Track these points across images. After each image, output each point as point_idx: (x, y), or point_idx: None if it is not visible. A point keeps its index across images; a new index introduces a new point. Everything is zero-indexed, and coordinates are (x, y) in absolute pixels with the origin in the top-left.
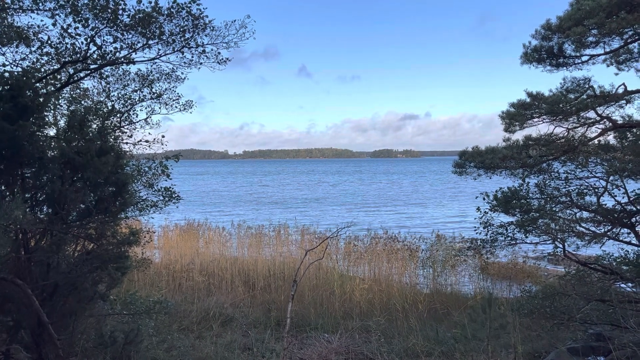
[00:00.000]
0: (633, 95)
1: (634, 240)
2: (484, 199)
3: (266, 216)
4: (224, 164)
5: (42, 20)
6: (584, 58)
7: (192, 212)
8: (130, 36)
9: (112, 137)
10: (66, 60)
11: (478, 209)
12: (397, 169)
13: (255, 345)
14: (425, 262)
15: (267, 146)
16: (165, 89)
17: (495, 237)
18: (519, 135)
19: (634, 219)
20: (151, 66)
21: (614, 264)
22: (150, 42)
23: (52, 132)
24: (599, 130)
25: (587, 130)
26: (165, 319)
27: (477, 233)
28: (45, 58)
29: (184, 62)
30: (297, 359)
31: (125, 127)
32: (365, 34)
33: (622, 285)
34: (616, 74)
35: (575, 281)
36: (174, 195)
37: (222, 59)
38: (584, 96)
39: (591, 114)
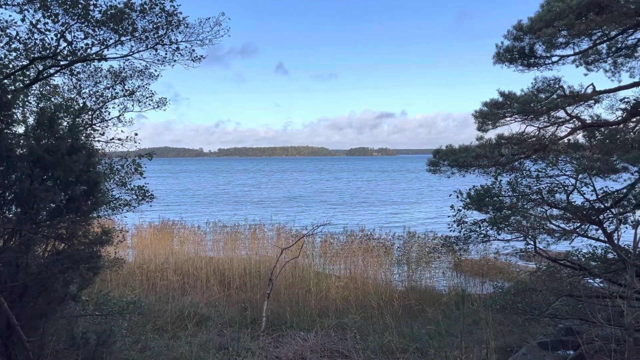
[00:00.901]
0: (601, 95)
1: (602, 237)
2: (457, 196)
3: (242, 215)
4: (199, 162)
5: (10, 16)
6: (555, 58)
7: (167, 211)
8: (101, 32)
9: (84, 135)
10: (35, 56)
11: (452, 206)
12: (374, 167)
13: (230, 345)
14: (400, 259)
15: (242, 144)
16: (139, 86)
17: (468, 234)
18: (491, 134)
19: (601, 216)
20: (124, 63)
21: (583, 260)
22: (123, 38)
23: (20, 129)
24: (569, 130)
25: (557, 129)
26: (139, 319)
27: (450, 230)
28: (14, 54)
29: (158, 60)
30: (273, 357)
31: (97, 124)
32: (344, 32)
33: (591, 280)
34: (585, 75)
35: (545, 277)
36: (147, 194)
37: (197, 56)
38: (554, 96)
39: (561, 114)
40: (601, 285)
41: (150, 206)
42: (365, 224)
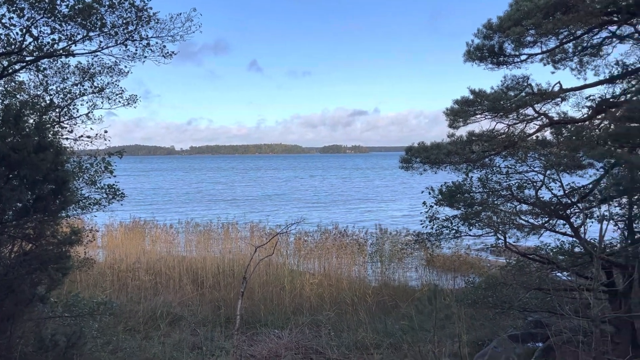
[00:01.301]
0: (568, 93)
1: (569, 231)
2: (429, 193)
3: (215, 213)
4: (170, 160)
5: None
6: (523, 57)
7: (138, 210)
8: (69, 27)
9: (51, 132)
10: (0, 51)
11: (424, 203)
12: (347, 164)
13: (204, 344)
14: (374, 256)
15: (215, 142)
16: (108, 83)
17: (440, 230)
18: (462, 131)
19: (568, 210)
20: (92, 59)
21: (551, 254)
22: (91, 34)
23: None
24: (537, 127)
25: (525, 126)
26: (110, 320)
27: (423, 227)
28: None
29: (128, 55)
30: (248, 355)
31: (65, 122)
32: (318, 30)
33: (559, 274)
34: (553, 73)
35: (515, 271)
36: (117, 193)
37: (168, 52)
38: (523, 94)
39: (530, 111)
40: (569, 278)
41: (121, 205)
42: (340, 222)
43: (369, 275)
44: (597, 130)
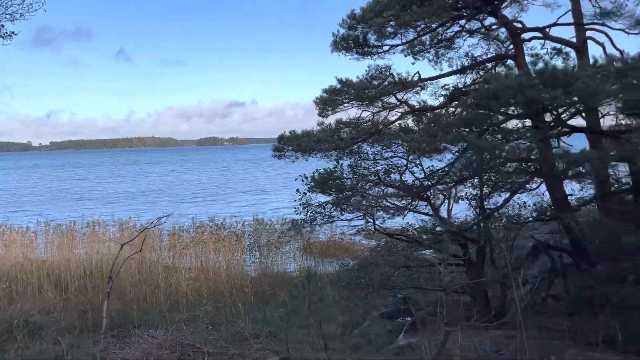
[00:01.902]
0: (426, 83)
1: (430, 211)
2: (302, 180)
3: (80, 213)
4: (27, 157)
5: None
6: (386, 48)
7: None
8: None
9: None
10: None
11: (297, 190)
12: (226, 156)
13: (70, 353)
14: (252, 246)
15: (79, 136)
16: None
17: (314, 216)
18: (332, 120)
19: (429, 192)
20: None
21: (416, 233)
22: None
23: None
24: (399, 114)
25: (388, 114)
26: None
27: (297, 214)
28: None
29: None
30: (119, 359)
31: None
32: (190, 18)
33: (424, 252)
34: (413, 63)
35: (384, 252)
36: None
37: (7, 32)
38: (386, 83)
39: (392, 99)
40: (431, 255)
41: None
42: (219, 215)
43: (248, 267)
44: (451, 116)
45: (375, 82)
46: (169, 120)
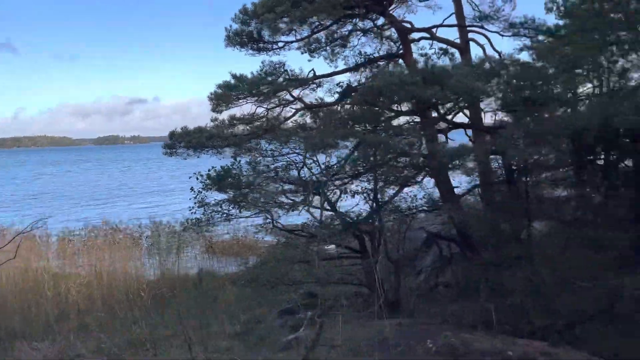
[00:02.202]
0: (322, 80)
1: (327, 206)
2: (197, 178)
3: None
4: None
5: None
6: (281, 44)
7: None
8: None
9: None
10: None
11: (192, 188)
12: (127, 156)
13: None
14: (150, 249)
15: None
16: None
17: (211, 214)
18: (226, 115)
19: (326, 187)
20: None
21: (314, 228)
22: None
23: None
24: (294, 111)
25: (282, 110)
26: None
27: (192, 213)
28: None
29: None
30: None
31: None
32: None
33: (325, 246)
34: (309, 60)
35: (285, 248)
36: None
37: None
38: (281, 79)
39: (288, 96)
40: (329, 248)
41: None
42: (118, 217)
43: (146, 270)
44: (344, 113)
45: (270, 78)
46: (63, 118)
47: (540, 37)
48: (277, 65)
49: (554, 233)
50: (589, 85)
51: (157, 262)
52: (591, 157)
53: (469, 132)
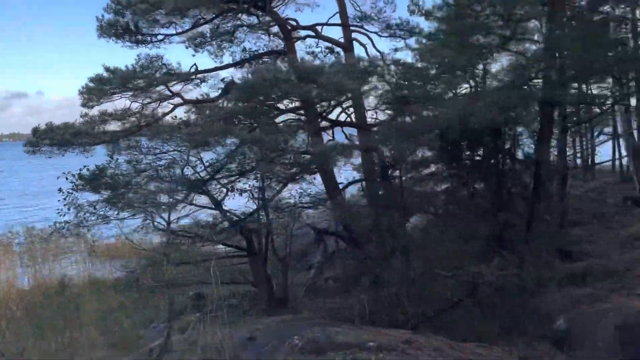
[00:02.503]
0: (206, 75)
1: (211, 204)
2: (67, 178)
3: None
4: None
5: None
6: (160, 37)
7: None
8: None
9: None
10: None
11: (60, 189)
12: (5, 154)
13: None
14: (22, 256)
15: None
16: None
17: (85, 217)
18: (97, 111)
19: (210, 186)
20: None
21: (200, 229)
22: None
23: None
24: (172, 106)
25: (159, 105)
26: None
27: (61, 215)
28: None
29: None
30: None
31: None
32: None
33: (222, 246)
34: (193, 55)
35: (168, 249)
36: None
37: None
38: (158, 73)
39: (167, 91)
40: (223, 248)
41: None
42: None
43: (19, 280)
44: (225, 109)
45: (146, 72)
46: None
47: (413, 39)
48: (154, 59)
49: (429, 227)
50: (466, 85)
51: (31, 270)
52: (458, 153)
53: (352, 130)
